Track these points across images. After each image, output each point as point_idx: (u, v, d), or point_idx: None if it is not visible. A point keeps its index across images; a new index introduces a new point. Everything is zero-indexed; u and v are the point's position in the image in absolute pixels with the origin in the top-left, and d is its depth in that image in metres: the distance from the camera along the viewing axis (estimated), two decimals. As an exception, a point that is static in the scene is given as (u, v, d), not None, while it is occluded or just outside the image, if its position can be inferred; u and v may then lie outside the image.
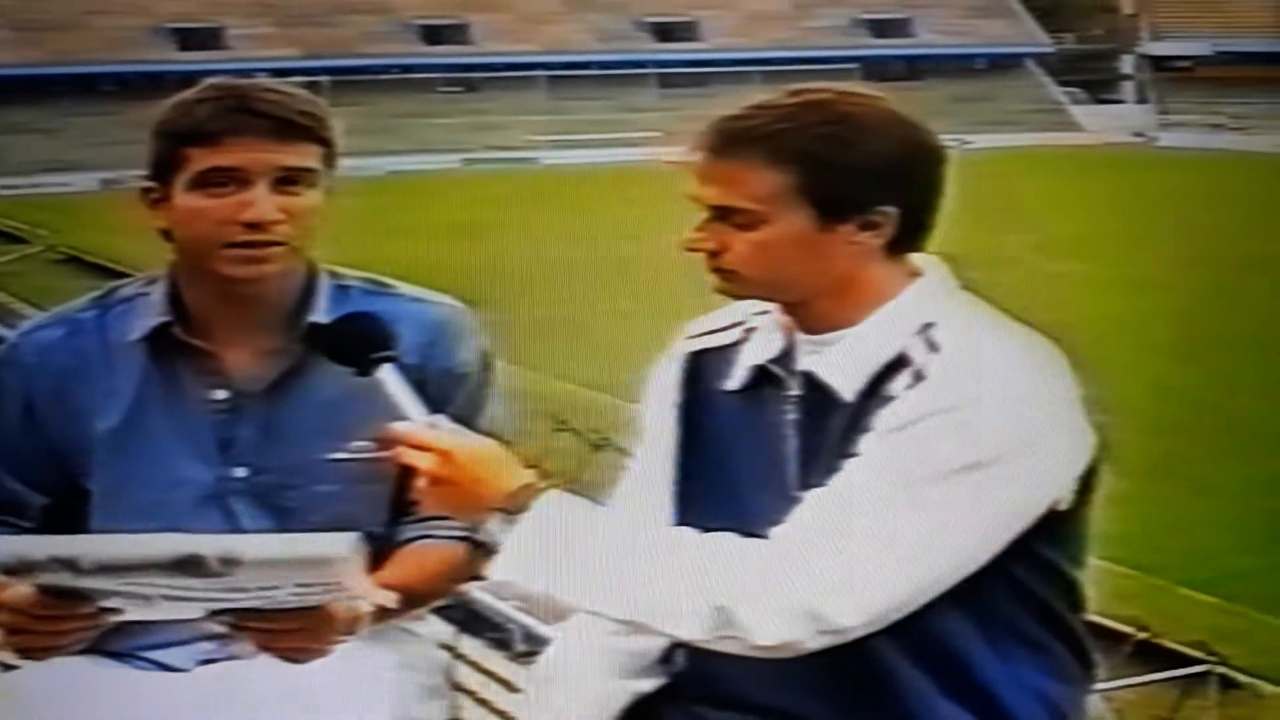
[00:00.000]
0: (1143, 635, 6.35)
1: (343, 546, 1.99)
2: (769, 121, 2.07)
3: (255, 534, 2.06)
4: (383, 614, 2.15)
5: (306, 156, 2.25)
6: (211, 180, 2.23)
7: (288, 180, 2.24)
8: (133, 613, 2.05)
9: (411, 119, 48.98)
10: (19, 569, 2.00)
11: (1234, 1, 56.67)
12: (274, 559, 1.99)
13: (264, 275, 2.27)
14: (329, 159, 2.29)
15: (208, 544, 1.97)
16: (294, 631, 2.08)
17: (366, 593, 2.06)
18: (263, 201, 2.23)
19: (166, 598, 2.01)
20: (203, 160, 2.23)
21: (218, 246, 2.25)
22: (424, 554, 2.29)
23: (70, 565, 1.98)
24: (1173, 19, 58.01)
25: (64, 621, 2.06)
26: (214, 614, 2.05)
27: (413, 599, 2.25)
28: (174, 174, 2.25)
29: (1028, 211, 27.26)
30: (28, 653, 2.15)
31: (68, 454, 2.32)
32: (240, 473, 2.30)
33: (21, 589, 2.04)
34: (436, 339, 2.36)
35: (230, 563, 1.96)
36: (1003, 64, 58.10)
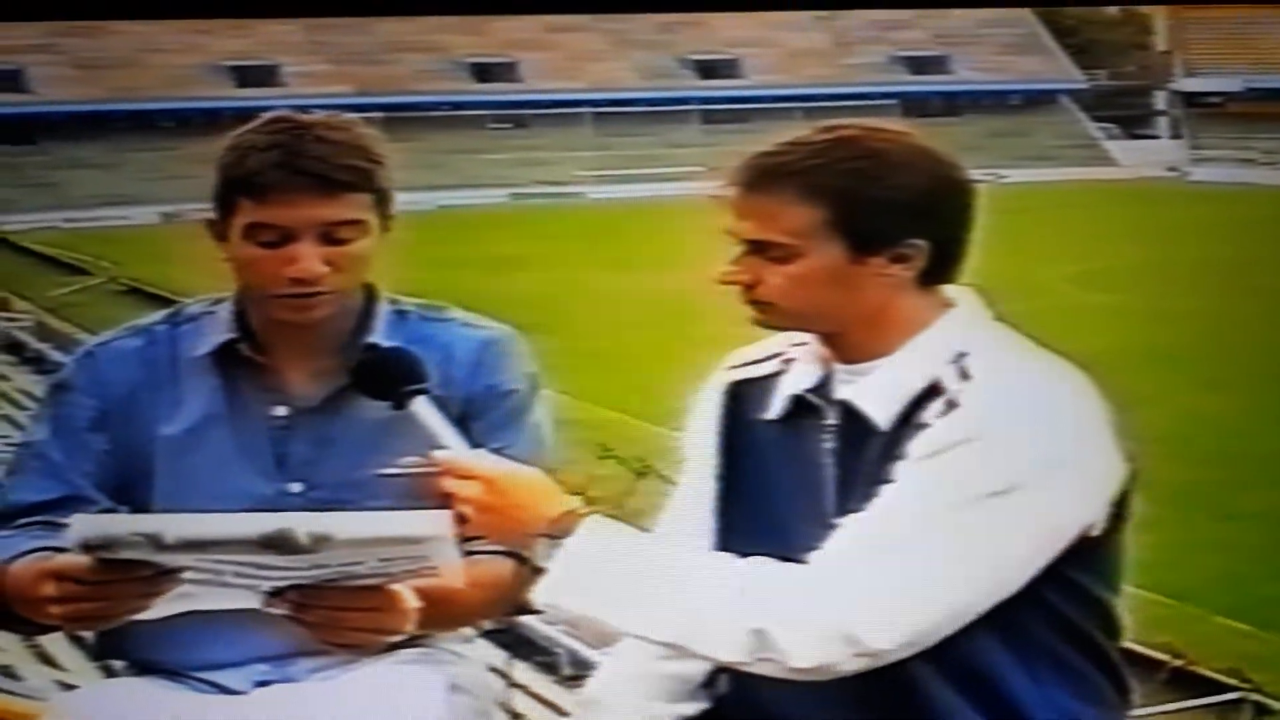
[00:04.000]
0: (1177, 662, 6.30)
1: (435, 525, 2.00)
2: (801, 158, 2.11)
3: (349, 512, 2.05)
4: (429, 622, 2.17)
5: (354, 208, 2.29)
6: (259, 233, 2.28)
7: (334, 232, 2.29)
8: (199, 591, 2.05)
9: (461, 155, 49.06)
10: (101, 545, 2.00)
11: (1265, 39, 56.24)
12: (366, 538, 1.99)
13: (313, 320, 2.33)
14: (381, 202, 2.32)
15: (298, 521, 1.98)
16: (359, 613, 2.09)
17: (452, 568, 2.03)
18: (307, 259, 2.27)
19: (239, 574, 2.00)
20: (251, 214, 2.28)
21: (268, 294, 2.31)
22: (470, 567, 2.27)
23: (153, 541, 1.97)
24: (1205, 56, 57.64)
25: (119, 586, 2.07)
26: (277, 593, 2.05)
27: (461, 610, 2.27)
28: (230, 216, 2.31)
29: (1062, 244, 27.08)
30: (83, 621, 2.15)
31: (132, 459, 2.37)
32: (296, 488, 2.35)
33: (77, 558, 2.06)
34: (483, 358, 2.41)
35: (321, 540, 1.96)
36: (1038, 100, 57.77)
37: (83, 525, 2.02)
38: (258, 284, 2.32)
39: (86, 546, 2.01)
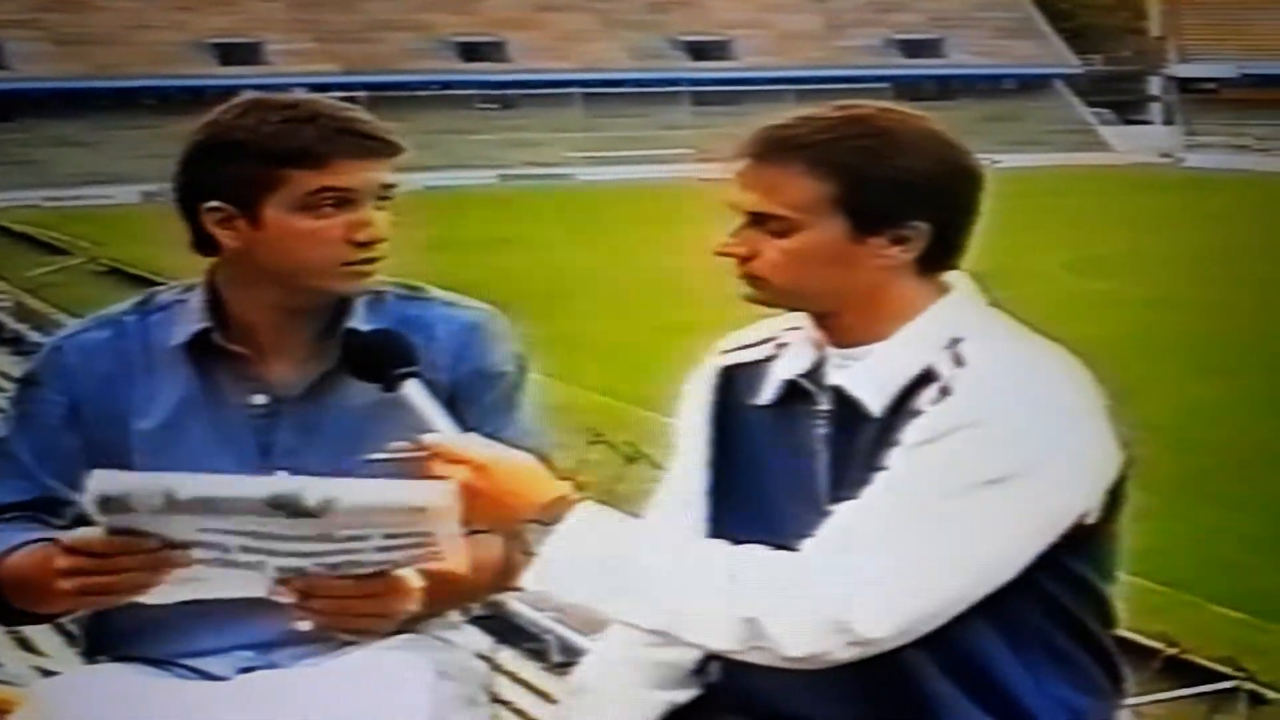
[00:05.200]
0: (1171, 651, 6.30)
1: (439, 495, 1.99)
2: (812, 132, 2.10)
3: (355, 479, 2.03)
4: (433, 602, 2.15)
5: (390, 172, 2.31)
6: (318, 201, 2.26)
7: (384, 194, 2.30)
8: (207, 575, 2.04)
9: (449, 135, 49.00)
10: (117, 499, 1.99)
11: (1260, 25, 56.51)
12: (370, 505, 1.98)
13: (363, 288, 2.33)
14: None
15: (306, 485, 1.98)
16: (363, 599, 2.07)
17: (455, 547, 2.02)
18: (377, 220, 2.28)
19: (246, 549, 2.00)
20: (311, 181, 2.25)
21: (329, 265, 2.28)
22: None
23: (167, 496, 1.97)
24: (1199, 41, 57.87)
25: (129, 558, 2.04)
26: (283, 581, 2.04)
27: (460, 589, 2.23)
28: (265, 194, 2.26)
29: (1056, 230, 27.14)
30: (93, 596, 2.12)
31: (107, 455, 2.31)
32: (282, 476, 2.33)
33: (87, 532, 2.05)
34: (468, 341, 2.39)
35: (327, 504, 1.96)
36: (1032, 85, 57.96)
37: (100, 481, 2.01)
38: (313, 257, 2.28)
39: (105, 501, 2.00)
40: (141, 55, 51.20)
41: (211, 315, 2.35)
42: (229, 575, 2.04)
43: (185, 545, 2.02)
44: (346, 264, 2.28)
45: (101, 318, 2.43)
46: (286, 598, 2.06)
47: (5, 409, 2.44)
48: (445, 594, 2.22)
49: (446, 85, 53.34)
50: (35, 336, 13.75)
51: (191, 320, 2.36)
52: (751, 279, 2.14)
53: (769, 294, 2.15)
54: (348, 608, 2.08)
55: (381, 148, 2.29)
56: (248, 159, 2.26)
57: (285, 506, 1.96)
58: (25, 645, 5.40)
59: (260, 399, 2.35)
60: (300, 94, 2.35)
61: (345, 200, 2.26)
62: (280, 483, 1.99)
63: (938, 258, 2.13)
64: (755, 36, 57.01)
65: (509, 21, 55.46)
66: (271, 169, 2.25)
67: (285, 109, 2.28)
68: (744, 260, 2.13)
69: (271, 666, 2.32)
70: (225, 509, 1.99)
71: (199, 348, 2.35)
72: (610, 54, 55.76)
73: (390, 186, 2.31)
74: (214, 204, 2.29)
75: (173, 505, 1.98)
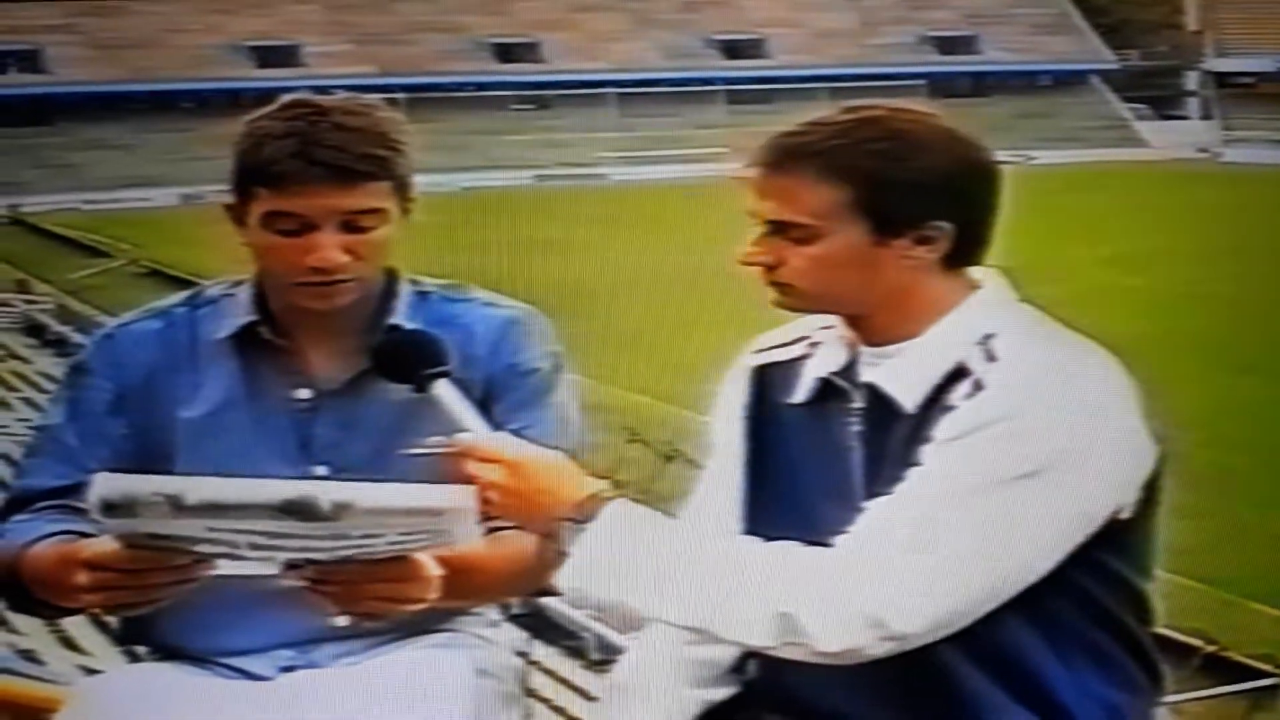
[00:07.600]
0: (1211, 648, 6.28)
1: (458, 498, 2.00)
2: (824, 138, 2.10)
3: (370, 483, 2.03)
4: (451, 591, 2.16)
5: (373, 196, 2.27)
6: (278, 221, 2.27)
7: (355, 221, 2.27)
8: (217, 564, 2.04)
9: (484, 136, 49.07)
10: (121, 504, 1.99)
11: (1298, 19, 55.97)
12: (388, 508, 1.99)
13: (335, 307, 2.32)
14: (401, 189, 2.30)
15: (321, 488, 1.97)
16: (380, 584, 2.08)
17: (471, 540, 2.02)
18: (327, 248, 2.26)
19: (255, 545, 1.99)
20: (269, 203, 2.26)
21: (289, 282, 2.30)
22: (494, 540, 2.25)
23: (173, 502, 1.96)
24: (1237, 36, 57.39)
25: (154, 575, 2.07)
26: (293, 567, 2.04)
27: (483, 581, 2.25)
28: (247, 203, 2.30)
29: (1092, 226, 27.00)
30: (119, 608, 2.15)
31: (152, 443, 2.35)
32: (320, 471, 2.33)
33: (107, 545, 2.07)
34: (504, 337, 2.40)
35: (342, 508, 1.95)
36: (1068, 80, 57.62)
37: (103, 484, 2.01)
38: (278, 271, 2.31)
39: (107, 506, 1.99)
40: (179, 59, 51.35)
41: (258, 309, 2.37)
42: (239, 564, 2.05)
43: (195, 540, 2.02)
44: (304, 284, 2.28)
45: (153, 309, 2.46)
46: (297, 582, 2.08)
47: (55, 396, 2.46)
48: (471, 586, 2.23)
49: (482, 86, 53.38)
50: (78, 338, 13.82)
51: (239, 314, 2.38)
52: (779, 286, 2.15)
53: (797, 300, 2.16)
54: (361, 591, 2.10)
55: (341, 175, 2.24)
56: (236, 165, 2.30)
57: (300, 511, 1.96)
58: (68, 643, 5.43)
59: (304, 393, 2.36)
60: (337, 95, 2.35)
61: (306, 224, 2.26)
62: (294, 487, 1.98)
63: (964, 254, 2.13)
64: (789, 35, 56.87)
65: (543, 23, 55.47)
66: (245, 181, 2.29)
67: (277, 117, 2.28)
68: (769, 269, 2.14)
69: (312, 665, 2.33)
70: (236, 514, 1.98)
71: (245, 341, 2.37)
72: (644, 54, 55.70)
73: (373, 211, 2.27)
74: (227, 200, 2.33)
75: (180, 510, 1.97)
